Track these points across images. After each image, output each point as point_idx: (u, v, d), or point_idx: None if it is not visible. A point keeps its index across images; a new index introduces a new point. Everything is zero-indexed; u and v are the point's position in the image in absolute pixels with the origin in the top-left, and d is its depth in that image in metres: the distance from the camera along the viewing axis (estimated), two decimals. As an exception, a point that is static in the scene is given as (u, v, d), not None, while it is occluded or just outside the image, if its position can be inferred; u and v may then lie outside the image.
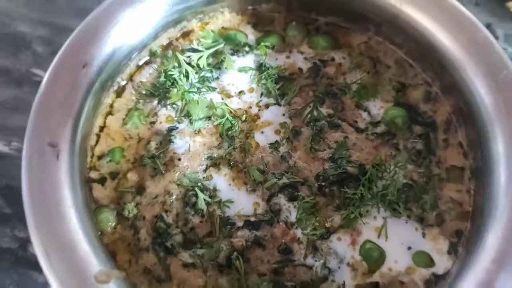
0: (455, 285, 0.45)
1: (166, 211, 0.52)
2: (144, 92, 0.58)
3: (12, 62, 0.79)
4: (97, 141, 0.55)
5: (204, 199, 0.52)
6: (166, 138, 0.55)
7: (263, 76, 0.59)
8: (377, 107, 0.58)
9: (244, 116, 0.57)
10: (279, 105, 0.58)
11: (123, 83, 0.58)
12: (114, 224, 0.51)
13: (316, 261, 0.50)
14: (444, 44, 0.52)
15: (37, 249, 0.39)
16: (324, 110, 0.57)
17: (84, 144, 0.49)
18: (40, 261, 0.39)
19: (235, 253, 0.49)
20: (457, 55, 0.51)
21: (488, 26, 0.85)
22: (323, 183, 0.53)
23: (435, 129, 0.56)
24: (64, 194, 0.42)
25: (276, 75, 0.59)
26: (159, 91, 0.58)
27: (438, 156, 0.55)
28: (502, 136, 0.48)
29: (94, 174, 0.53)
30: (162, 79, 0.58)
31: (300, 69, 0.60)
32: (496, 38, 0.83)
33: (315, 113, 0.57)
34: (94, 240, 0.42)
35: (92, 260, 0.40)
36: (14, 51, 0.80)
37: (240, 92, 0.59)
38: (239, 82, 0.59)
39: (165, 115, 0.57)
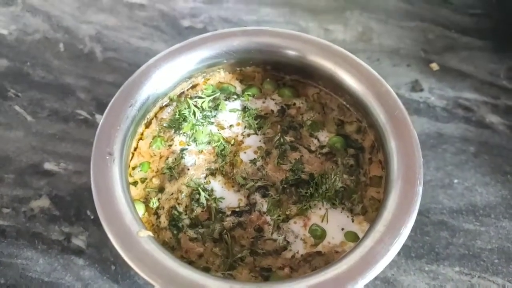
0: (359, 244, 0.64)
1: (178, 204, 0.73)
2: (164, 125, 0.81)
3: (60, 105, 1.02)
4: (132, 157, 0.78)
5: (205, 196, 0.73)
6: (179, 155, 0.77)
7: (246, 115, 0.82)
8: (324, 136, 0.81)
9: (233, 141, 0.80)
10: (257, 134, 0.80)
11: (150, 118, 0.81)
12: (143, 212, 0.72)
13: (279, 236, 0.70)
14: (363, 95, 0.76)
15: (101, 217, 0.60)
16: (288, 138, 0.80)
17: (127, 155, 0.71)
18: (102, 224, 0.60)
19: (225, 231, 0.71)
20: (370, 102, 0.75)
21: (416, 81, 1.10)
22: (285, 186, 0.74)
23: (363, 151, 0.79)
24: (118, 185, 0.63)
25: (255, 114, 0.83)
26: (175, 124, 0.80)
27: (364, 169, 0.77)
28: (396, 158, 0.70)
29: (130, 180, 0.75)
30: (177, 116, 0.80)
31: (272, 110, 0.84)
32: (421, 90, 1.09)
33: (281, 140, 0.80)
34: (135, 213, 0.63)
35: (134, 223, 0.60)
36: (62, 97, 1.03)
37: (231, 126, 0.81)
38: (230, 119, 0.82)
39: (178, 140, 0.79)
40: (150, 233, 0.59)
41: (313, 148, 0.77)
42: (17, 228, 0.79)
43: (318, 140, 0.78)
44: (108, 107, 0.69)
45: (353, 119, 0.80)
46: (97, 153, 0.63)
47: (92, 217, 0.86)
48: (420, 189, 0.62)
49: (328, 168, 0.74)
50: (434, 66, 1.10)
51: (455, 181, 0.92)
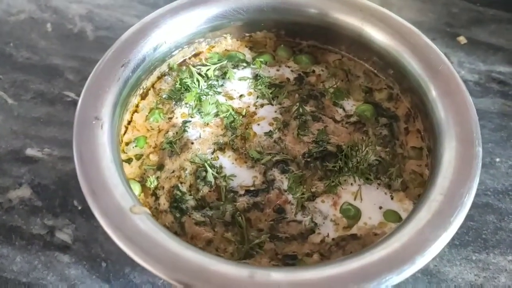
0: (404, 225, 0.52)
1: (181, 183, 0.60)
2: (164, 96, 0.69)
3: (46, 86, 0.90)
4: (125, 132, 0.65)
5: (212, 174, 0.61)
6: (181, 128, 0.65)
7: (258, 83, 0.70)
8: (350, 105, 0.69)
9: (244, 112, 0.68)
10: (272, 105, 0.69)
11: (146, 89, 0.69)
12: (139, 192, 0.59)
13: (304, 217, 0.58)
14: (396, 52, 0.64)
15: (85, 190, 0.47)
16: (308, 108, 0.68)
17: (119, 126, 0.59)
18: (87, 199, 0.47)
19: (238, 213, 0.58)
20: (406, 59, 0.63)
21: (444, 54, 1.00)
22: (308, 159, 0.62)
23: (397, 120, 0.67)
24: (107, 152, 0.50)
25: (268, 83, 0.71)
26: (175, 95, 0.69)
27: (401, 140, 0.65)
28: (444, 118, 0.58)
29: (123, 156, 0.62)
30: (178, 86, 0.69)
31: (288, 79, 0.72)
32: (452, 63, 0.98)
33: (300, 110, 0.68)
34: (127, 186, 0.50)
35: (127, 198, 0.48)
36: (48, 78, 0.92)
37: (241, 96, 0.70)
38: (239, 88, 0.71)
39: (180, 112, 0.67)
40: (147, 210, 0.47)
41: (338, 118, 0.65)
42: (-8, 222, 0.70)
43: (344, 109, 0.66)
44: (96, 67, 0.58)
45: (383, 85, 0.68)
46: (82, 117, 0.51)
47: (79, 207, 0.74)
48: (480, 150, 0.50)
49: (358, 139, 0.62)
50: (462, 39, 0.99)
51: (497, 159, 0.80)
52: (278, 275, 0.42)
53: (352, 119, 0.65)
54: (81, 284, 0.68)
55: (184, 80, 0.67)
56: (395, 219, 0.56)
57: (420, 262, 0.44)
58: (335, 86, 0.69)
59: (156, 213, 0.57)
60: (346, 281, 0.42)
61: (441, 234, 0.45)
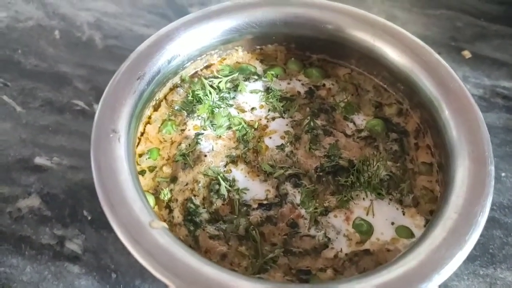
0: (420, 242, 0.52)
1: (195, 196, 0.61)
2: (176, 107, 0.69)
3: (54, 95, 0.90)
4: (138, 143, 0.65)
5: (225, 187, 0.61)
6: (194, 140, 0.65)
7: (270, 96, 0.71)
8: (361, 119, 0.70)
9: (256, 125, 0.68)
10: (283, 118, 0.69)
11: (159, 100, 0.70)
12: (153, 205, 0.60)
13: (317, 232, 0.58)
14: (407, 69, 0.65)
15: (104, 204, 0.47)
16: (319, 122, 0.69)
17: (135, 138, 0.59)
18: (106, 213, 0.47)
19: (251, 227, 0.58)
20: (417, 76, 0.64)
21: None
22: (320, 174, 0.62)
23: (407, 135, 0.68)
24: (124, 166, 0.51)
25: (279, 96, 0.72)
26: (188, 107, 0.69)
27: (411, 155, 0.66)
28: (456, 136, 0.59)
29: (136, 168, 0.63)
30: (190, 98, 0.70)
31: (299, 92, 0.73)
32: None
33: (311, 124, 0.69)
34: (145, 201, 0.50)
35: (145, 212, 0.48)
36: (57, 87, 0.92)
37: (252, 108, 0.70)
38: (251, 101, 0.71)
39: (192, 124, 0.67)
40: (165, 225, 0.47)
41: (349, 132, 0.66)
42: (1, 231, 0.69)
43: (354, 123, 0.67)
44: (112, 79, 0.58)
45: (392, 100, 0.69)
46: (99, 130, 0.52)
47: (89, 217, 0.73)
48: (492, 169, 0.51)
49: (369, 154, 0.63)
50: (467, 53, 1.01)
51: (503, 174, 0.81)
52: (297, 292, 0.43)
53: (363, 134, 0.66)
54: (91, 295, 0.68)
55: (196, 92, 0.68)
56: (407, 235, 0.57)
57: (437, 280, 0.44)
58: (345, 100, 0.70)
59: (170, 226, 0.57)
60: (364, 299, 0.42)
61: (456, 253, 0.46)
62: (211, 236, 0.54)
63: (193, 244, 0.56)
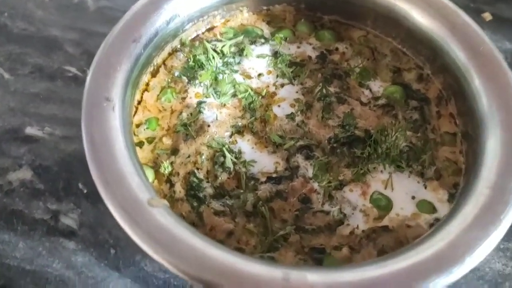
0: (448, 221, 0.48)
1: (198, 169, 0.56)
2: (176, 73, 0.63)
3: (45, 60, 0.84)
4: (135, 112, 0.60)
5: (231, 159, 0.56)
6: (196, 109, 0.60)
7: (278, 61, 0.65)
8: (377, 86, 0.64)
9: (264, 92, 0.63)
10: (293, 84, 0.64)
11: (157, 65, 0.64)
12: (152, 179, 0.55)
13: (332, 207, 0.54)
14: (431, 31, 0.59)
15: (97, 180, 0.43)
16: (332, 89, 0.63)
17: (131, 106, 0.54)
18: (100, 190, 0.43)
19: (260, 202, 0.54)
20: (443, 38, 0.58)
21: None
22: (334, 145, 0.57)
23: (428, 103, 0.62)
24: (119, 137, 0.46)
25: (289, 61, 0.65)
26: (189, 73, 0.63)
27: (432, 124, 0.61)
28: (486, 104, 0.54)
29: (134, 139, 0.57)
30: (191, 63, 0.63)
31: (310, 57, 0.67)
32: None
33: (324, 91, 0.63)
34: (143, 176, 0.46)
35: (143, 189, 0.43)
36: (47, 52, 0.85)
37: (259, 75, 0.64)
38: (258, 66, 0.65)
39: (194, 92, 0.62)
40: (166, 202, 0.42)
41: (365, 100, 0.60)
42: (-9, 206, 0.65)
43: (370, 90, 0.61)
44: (105, 42, 0.52)
45: (412, 65, 0.63)
46: (91, 98, 0.46)
47: (85, 191, 0.69)
48: (528, 139, 0.45)
49: (387, 123, 0.57)
50: (487, 16, 0.93)
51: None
52: (315, 276, 0.38)
53: (380, 102, 0.60)
54: (89, 272, 0.64)
55: (197, 57, 0.62)
56: (429, 210, 0.52)
57: (469, 263, 0.40)
58: (360, 65, 0.64)
59: (171, 202, 0.53)
60: (390, 284, 0.38)
61: (491, 232, 0.41)
62: (216, 212, 0.50)
63: (197, 221, 0.51)
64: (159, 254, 0.39)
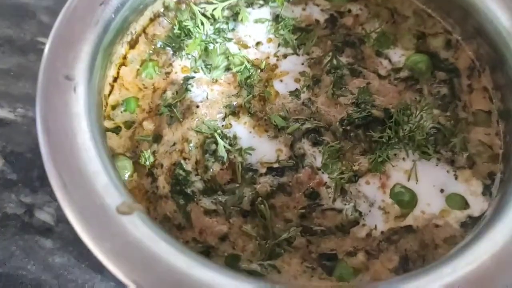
0: (492, 226, 0.41)
1: (185, 159, 0.48)
2: (158, 44, 0.54)
3: (15, 31, 0.75)
4: (110, 92, 0.51)
5: (224, 146, 0.48)
6: (183, 87, 0.51)
7: (280, 27, 0.55)
8: (398, 55, 0.54)
9: (263, 65, 0.53)
10: (297, 54, 0.54)
11: (136, 34, 0.54)
12: (130, 172, 0.47)
13: (345, 204, 0.45)
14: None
15: (52, 179, 0.35)
16: (344, 59, 0.54)
17: (100, 84, 0.45)
18: (55, 192, 0.35)
19: (259, 199, 0.45)
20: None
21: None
22: (348, 127, 0.49)
23: (458, 75, 0.53)
24: (82, 127, 0.37)
25: (292, 26, 0.56)
26: (174, 43, 0.54)
27: (463, 100, 0.51)
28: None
29: (108, 124, 0.49)
30: (176, 31, 0.54)
31: (317, 21, 0.57)
32: None
33: (334, 61, 0.53)
34: (114, 174, 0.37)
35: (112, 191, 0.35)
36: (17, 21, 0.76)
37: (258, 43, 0.55)
38: (255, 33, 0.56)
39: (180, 65, 0.53)
40: (140, 207, 0.34)
41: (383, 72, 0.52)
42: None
43: (390, 60, 0.52)
44: (66, 6, 0.42)
45: (438, 29, 0.54)
46: (48, 77, 0.37)
47: (62, 181, 0.61)
48: None
49: (410, 100, 0.48)
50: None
51: None
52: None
53: (402, 74, 0.52)
54: (69, 275, 0.58)
55: (184, 23, 0.53)
56: (461, 206, 0.45)
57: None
58: (378, 30, 0.54)
59: (154, 199, 0.45)
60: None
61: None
62: (207, 211, 0.44)
63: (184, 222, 0.44)
64: (129, 276, 0.31)
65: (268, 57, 0.54)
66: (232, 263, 0.42)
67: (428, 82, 0.52)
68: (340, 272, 0.42)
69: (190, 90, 0.51)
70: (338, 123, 0.49)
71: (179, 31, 0.54)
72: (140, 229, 0.33)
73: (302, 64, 0.54)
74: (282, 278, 0.42)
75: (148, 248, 0.33)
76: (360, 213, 0.45)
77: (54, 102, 0.38)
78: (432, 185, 0.46)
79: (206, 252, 0.43)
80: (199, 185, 0.46)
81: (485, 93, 0.51)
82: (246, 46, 0.55)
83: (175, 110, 0.50)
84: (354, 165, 0.47)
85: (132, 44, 0.54)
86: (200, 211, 0.45)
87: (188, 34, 0.54)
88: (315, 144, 0.48)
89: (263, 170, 0.47)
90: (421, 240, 0.44)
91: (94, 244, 0.32)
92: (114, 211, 0.33)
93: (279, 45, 0.55)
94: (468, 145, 0.49)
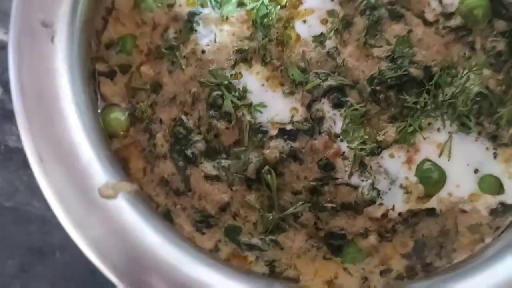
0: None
1: (187, 114, 0.43)
2: (161, -37, 0.46)
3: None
4: (104, 27, 0.45)
5: (232, 101, 0.43)
6: (187, 25, 0.45)
7: None
8: (453, -5, 0.45)
9: (284, 0, 0.45)
10: (327, -13, 0.46)
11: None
12: (126, 126, 0.43)
13: (363, 180, 0.41)
14: None
15: (29, 153, 0.31)
16: (385, -4, 0.45)
17: (87, 28, 0.39)
18: (32, 168, 0.32)
19: (266, 167, 0.41)
20: None
21: None
22: (377, 87, 0.42)
23: (525, 24, 0.44)
24: (62, 86, 0.33)
25: None
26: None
27: (524, 59, 0.43)
28: None
29: (101, 66, 0.44)
30: None
31: None
32: None
33: (372, -1, 0.45)
34: (99, 146, 0.33)
35: (96, 168, 0.32)
36: None
37: (279, -28, 0.46)
38: (280, -50, 0.46)
39: (185, -3, 0.46)
40: (128, 188, 0.30)
41: (430, 16, 0.44)
42: None
43: (441, 2, 0.42)
44: None
45: (511, -42, 0.43)
46: (20, 23, 0.31)
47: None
48: None
49: (458, 56, 0.40)
50: None
51: None
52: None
53: (453, 22, 0.43)
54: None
55: None
56: (495, 189, 0.41)
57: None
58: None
59: (151, 159, 0.42)
60: None
61: None
62: (208, 176, 0.39)
63: (183, 187, 0.41)
64: (113, 272, 0.28)
65: (291, -9, 0.45)
66: (231, 235, 0.40)
67: (483, 33, 0.44)
68: (348, 253, 0.40)
69: (195, 30, 0.44)
70: (366, 81, 0.43)
71: None
72: (124, 215, 0.30)
73: (332, 0, 0.45)
74: (284, 256, 0.39)
75: (131, 239, 0.30)
76: (379, 191, 0.41)
77: (28, 55, 0.32)
78: (466, 163, 0.41)
79: (205, 221, 0.40)
80: (200, 146, 0.42)
81: (553, 52, 0.43)
82: (264, -24, 0.46)
83: (177, 54, 0.43)
84: (379, 135, 0.42)
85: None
86: (201, 176, 0.42)
87: None
88: (336, 105, 0.43)
89: (274, 132, 0.43)
90: (443, 225, 0.41)
91: (76, 231, 0.29)
92: (97, 193, 0.30)
93: (306, -27, 0.46)
94: (518, 117, 0.42)
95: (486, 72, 0.43)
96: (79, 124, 0.32)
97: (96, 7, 0.40)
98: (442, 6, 0.45)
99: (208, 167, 0.42)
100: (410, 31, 0.44)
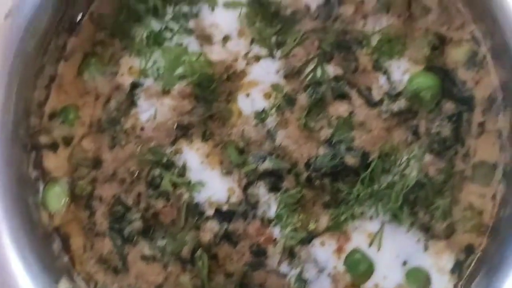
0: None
1: (126, 191, 0.44)
2: (103, 32, 0.45)
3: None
4: (47, 96, 0.45)
5: (171, 180, 0.44)
6: (129, 97, 0.45)
7: (258, 15, 0.44)
8: (401, 70, 0.44)
9: (229, 71, 0.44)
10: (273, 57, 0.45)
11: (79, 17, 0.45)
12: (65, 202, 0.44)
13: (291, 269, 0.42)
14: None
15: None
16: (331, 69, 0.44)
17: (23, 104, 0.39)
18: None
19: (200, 250, 0.43)
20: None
21: None
22: (313, 174, 0.43)
23: (472, 107, 0.43)
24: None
25: (273, 14, 0.44)
26: (121, 28, 0.45)
27: (467, 146, 0.43)
28: None
29: (45, 139, 0.45)
30: (123, 16, 0.45)
31: (307, 7, 0.45)
32: None
33: (318, 72, 0.44)
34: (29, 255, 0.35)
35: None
36: None
37: (225, 38, 0.45)
38: (224, 23, 0.45)
39: (128, 64, 0.45)
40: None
41: (376, 95, 0.44)
42: None
43: (389, 78, 0.42)
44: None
45: (466, 35, 0.42)
46: None
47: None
48: None
49: (399, 141, 0.40)
50: None
51: None
52: None
53: (398, 104, 0.42)
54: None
55: (132, 4, 0.43)
56: (420, 284, 0.42)
57: None
58: (384, 28, 0.43)
59: (90, 236, 0.44)
60: None
61: None
62: (144, 256, 0.42)
63: (120, 265, 0.44)
64: None
65: (236, 60, 0.45)
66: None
67: (429, 116, 0.43)
68: None
69: (136, 104, 0.44)
70: (303, 165, 0.43)
71: (126, 15, 0.45)
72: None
73: (277, 72, 0.45)
74: None
75: None
76: (305, 281, 0.42)
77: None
78: (396, 255, 0.42)
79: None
80: (138, 225, 0.44)
81: (497, 139, 0.43)
82: (209, 41, 0.45)
83: (117, 128, 0.44)
84: (312, 221, 0.43)
85: (71, 28, 0.45)
86: (138, 256, 0.44)
87: (139, 19, 0.45)
88: (272, 189, 0.43)
89: (211, 212, 0.44)
90: (368, 317, 0.42)
91: None
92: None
93: (252, 41, 0.45)
94: (454, 208, 0.42)
95: (428, 158, 0.42)
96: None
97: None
98: (390, 83, 0.44)
99: (145, 247, 0.43)
100: (352, 112, 0.43)
